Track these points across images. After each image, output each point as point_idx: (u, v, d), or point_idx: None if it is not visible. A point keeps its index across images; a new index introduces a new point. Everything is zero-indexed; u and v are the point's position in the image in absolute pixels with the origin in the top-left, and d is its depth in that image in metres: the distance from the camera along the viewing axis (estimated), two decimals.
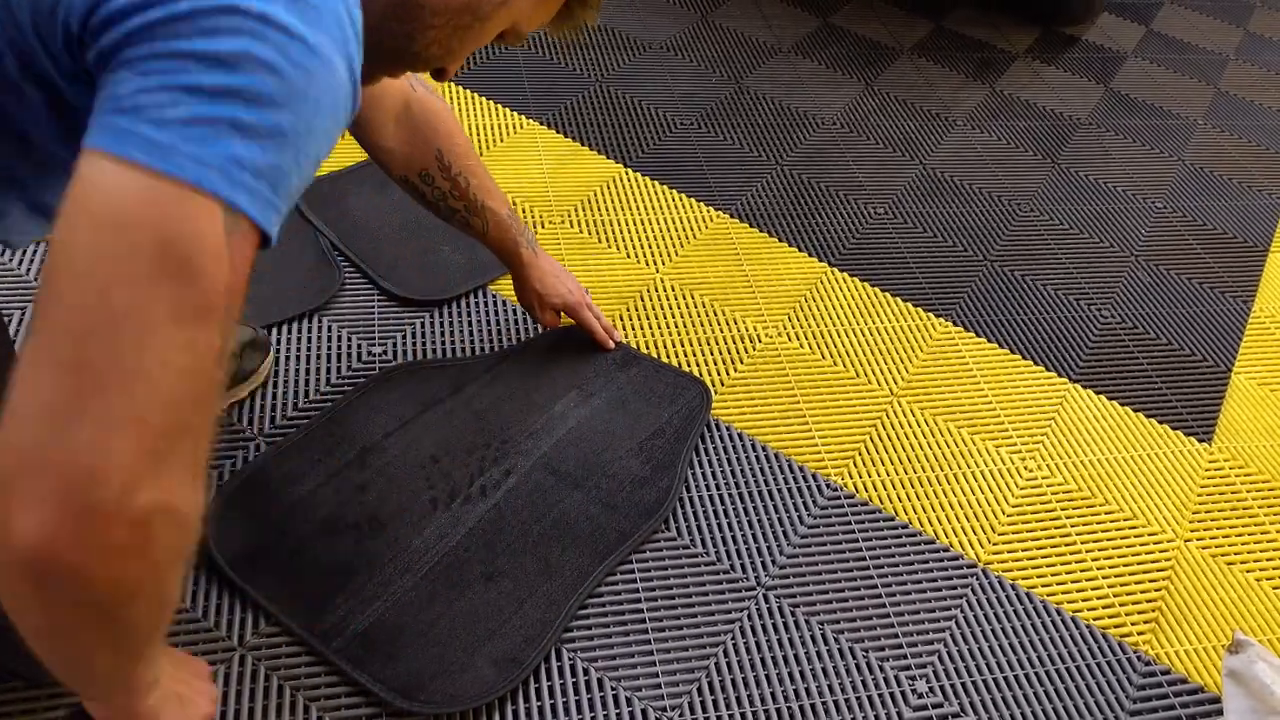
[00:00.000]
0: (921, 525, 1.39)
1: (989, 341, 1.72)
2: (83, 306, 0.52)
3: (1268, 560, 1.44)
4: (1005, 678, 1.23)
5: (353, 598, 1.15)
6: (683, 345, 1.59)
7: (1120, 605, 1.34)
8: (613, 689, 1.14)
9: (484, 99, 2.06)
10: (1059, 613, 1.31)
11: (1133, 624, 1.32)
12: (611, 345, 1.51)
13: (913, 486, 1.44)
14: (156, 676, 0.82)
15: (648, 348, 1.57)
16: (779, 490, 1.39)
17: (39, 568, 0.52)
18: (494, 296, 1.60)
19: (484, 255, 1.64)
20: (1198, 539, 1.45)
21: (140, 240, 0.53)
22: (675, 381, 1.49)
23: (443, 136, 1.24)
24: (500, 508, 1.27)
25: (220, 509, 1.20)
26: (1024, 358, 1.71)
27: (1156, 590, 1.37)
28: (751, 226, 1.87)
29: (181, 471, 0.56)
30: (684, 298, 1.67)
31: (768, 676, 1.18)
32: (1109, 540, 1.42)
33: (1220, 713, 1.23)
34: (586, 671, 1.15)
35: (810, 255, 1.83)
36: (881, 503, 1.41)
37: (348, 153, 1.84)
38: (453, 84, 2.08)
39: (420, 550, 1.21)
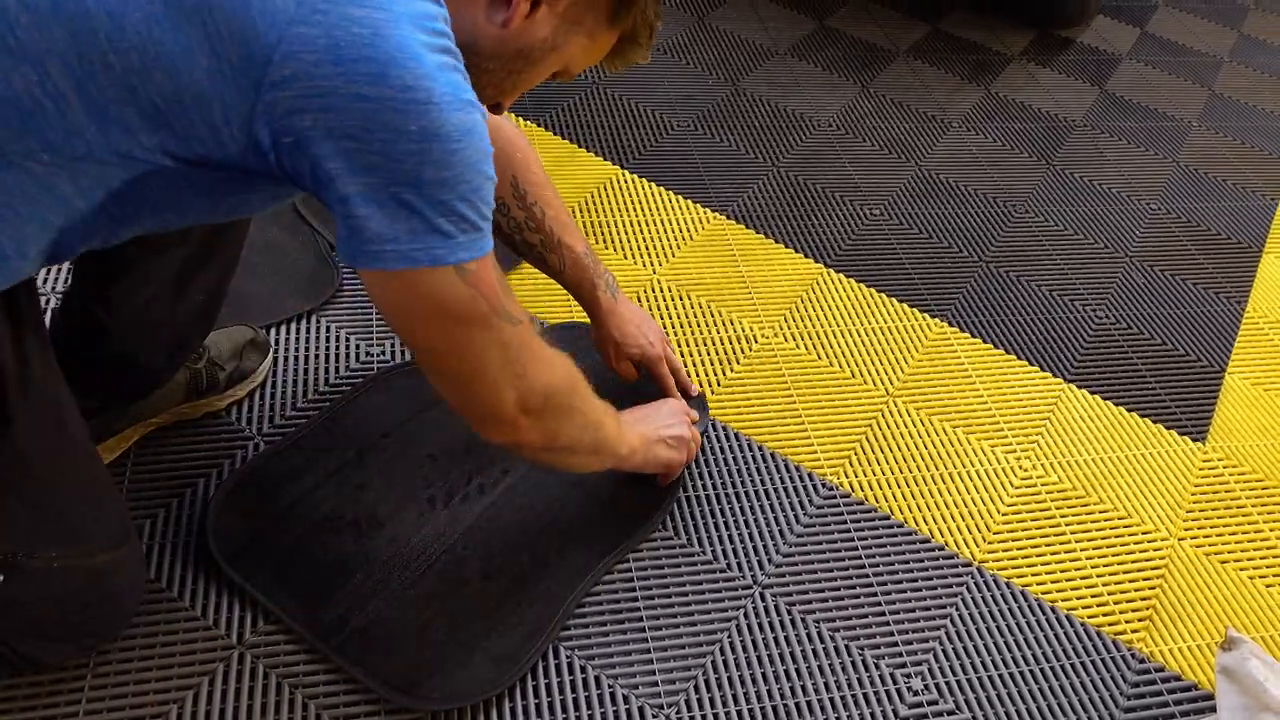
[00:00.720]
0: (917, 524, 1.40)
1: (984, 342, 1.73)
2: (437, 358, 0.88)
3: (1260, 558, 1.45)
4: (1000, 675, 1.24)
5: (351, 595, 1.16)
6: (680, 346, 1.59)
7: (1114, 603, 1.35)
8: (609, 686, 1.15)
9: None
10: (1053, 611, 1.32)
11: (1127, 622, 1.33)
12: (665, 375, 1.42)
13: (908, 486, 1.45)
14: (632, 446, 1.16)
15: None
16: (775, 490, 1.40)
17: (505, 446, 0.97)
18: None
19: None
20: (1191, 537, 1.46)
21: (429, 317, 0.82)
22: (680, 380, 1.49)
23: (518, 165, 1.23)
24: (498, 506, 1.28)
25: (219, 507, 1.21)
26: (1019, 358, 1.71)
27: (1150, 588, 1.38)
28: (748, 228, 1.88)
29: (538, 379, 0.92)
30: (681, 299, 1.68)
31: (764, 674, 1.19)
32: (1103, 539, 1.43)
33: (1213, 709, 1.24)
34: (584, 669, 1.16)
35: (806, 256, 1.84)
36: (877, 502, 1.42)
37: None
38: None
39: (419, 548, 1.22)
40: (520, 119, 2.03)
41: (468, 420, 0.94)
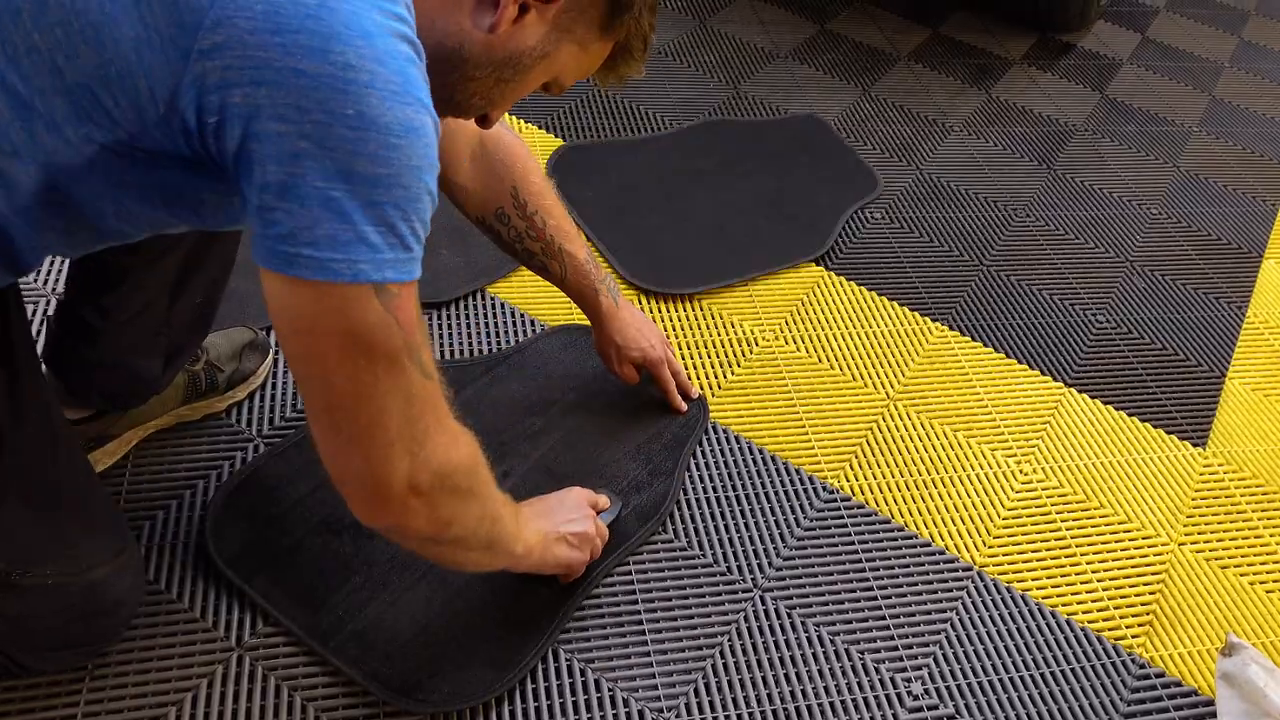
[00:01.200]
0: (917, 528, 1.39)
1: (985, 346, 1.73)
2: (322, 394, 0.75)
3: (1261, 564, 1.45)
4: (1000, 680, 1.24)
5: (350, 597, 1.15)
6: (680, 349, 1.59)
7: (1115, 608, 1.35)
8: (610, 689, 1.15)
9: None
10: (1054, 615, 1.32)
11: (1127, 627, 1.33)
12: (684, 408, 1.45)
13: (908, 490, 1.45)
14: (528, 544, 1.03)
15: None
16: (776, 493, 1.40)
17: (380, 530, 0.84)
18: (492, 298, 1.61)
19: (482, 257, 1.65)
20: (1192, 543, 1.46)
21: (330, 337, 0.71)
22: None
23: (518, 174, 1.21)
24: None
25: (219, 509, 1.21)
26: (1019, 362, 1.71)
27: (1151, 593, 1.38)
28: None
29: (438, 449, 0.80)
30: (681, 301, 1.68)
31: (764, 678, 1.19)
32: (1104, 544, 1.43)
33: (1214, 715, 1.24)
34: (584, 672, 1.16)
35: (807, 259, 1.83)
36: (877, 506, 1.41)
37: None
38: None
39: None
40: (521, 122, 2.03)
41: (344, 492, 0.80)
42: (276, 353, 1.43)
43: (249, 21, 0.62)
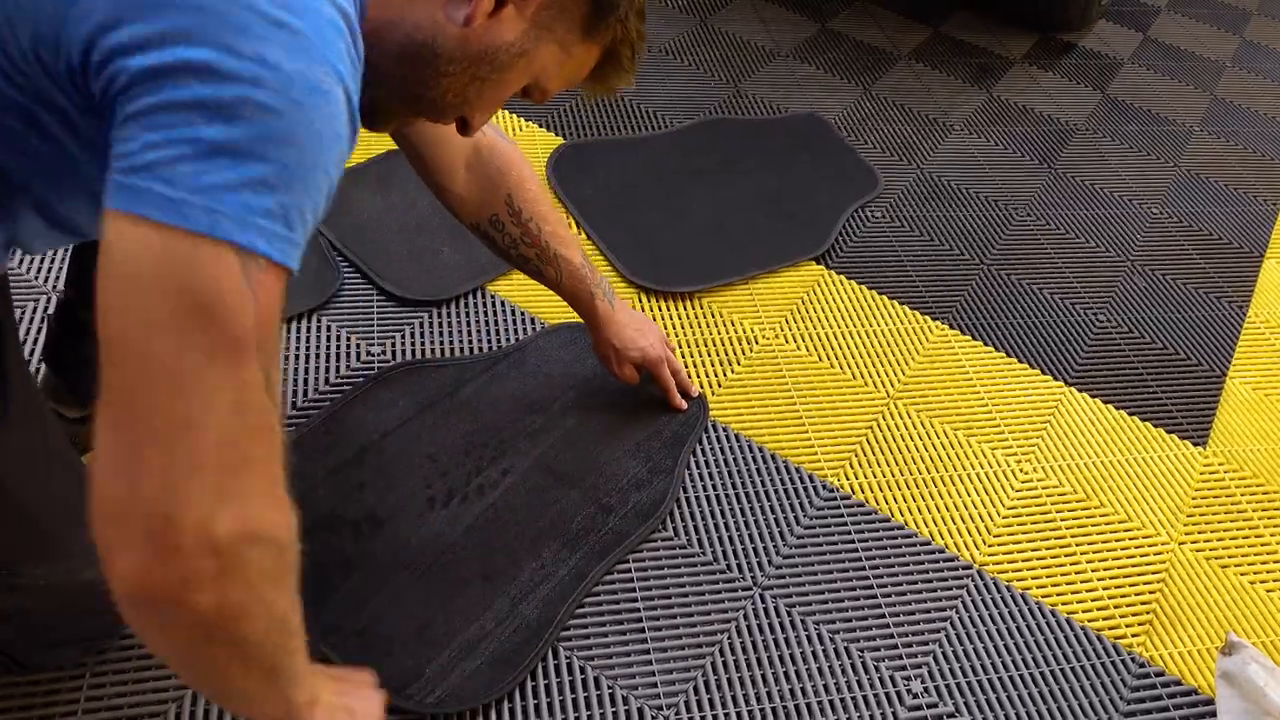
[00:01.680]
0: (917, 527, 1.39)
1: (985, 345, 1.73)
2: (127, 366, 0.58)
3: (1261, 563, 1.45)
4: (1000, 679, 1.24)
5: (350, 595, 1.16)
6: (680, 347, 1.59)
7: (1115, 607, 1.35)
8: (609, 687, 1.15)
9: None
10: (1054, 614, 1.32)
11: (1127, 626, 1.33)
12: (685, 407, 1.45)
13: (909, 488, 1.45)
14: (314, 695, 0.81)
15: None
16: (775, 491, 1.40)
17: (142, 601, 0.60)
18: (493, 297, 1.61)
19: (483, 255, 1.65)
20: (1192, 542, 1.46)
21: (165, 294, 0.57)
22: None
23: (513, 181, 1.20)
24: (497, 507, 1.28)
25: None
26: (1020, 361, 1.71)
27: (1151, 592, 1.38)
28: None
29: (256, 498, 0.61)
30: (681, 300, 1.68)
31: (763, 676, 1.19)
32: (1104, 543, 1.43)
33: (1214, 714, 1.24)
34: (583, 670, 1.16)
35: (807, 258, 1.83)
36: (877, 504, 1.41)
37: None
38: None
39: (418, 549, 1.22)
40: (521, 120, 2.03)
41: (107, 533, 0.59)
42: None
43: None
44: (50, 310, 1.11)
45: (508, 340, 1.54)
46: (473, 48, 0.77)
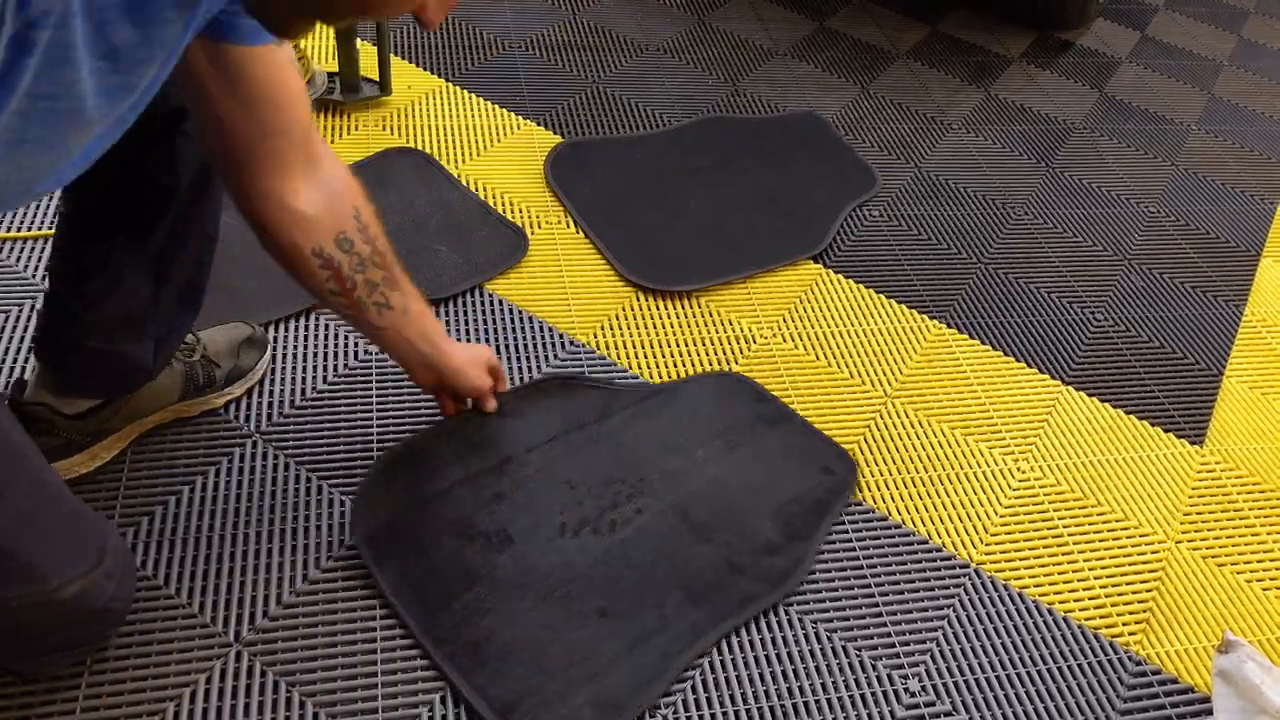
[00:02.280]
0: (914, 525, 1.40)
1: (982, 343, 1.73)
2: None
3: (1258, 562, 1.45)
4: (997, 677, 1.24)
5: (469, 606, 1.15)
6: (677, 346, 1.59)
7: (1111, 606, 1.35)
8: None
9: (481, 99, 2.06)
10: (1050, 613, 1.32)
11: (1124, 624, 1.33)
12: (492, 406, 1.34)
13: (906, 487, 1.45)
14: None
15: (641, 351, 1.57)
16: None
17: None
18: (490, 296, 1.61)
19: (480, 255, 1.66)
20: (1189, 540, 1.46)
21: None
22: (824, 449, 1.45)
23: (358, 197, 1.07)
24: (626, 545, 1.26)
25: (364, 488, 1.22)
26: (1017, 360, 1.72)
27: (1148, 591, 1.38)
28: None
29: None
30: (678, 298, 1.68)
31: (760, 675, 1.19)
32: (1100, 541, 1.43)
33: (1210, 713, 1.24)
34: None
35: (805, 257, 1.83)
36: (875, 503, 1.42)
37: (347, 154, 1.85)
38: (450, 84, 2.08)
39: (543, 573, 1.20)
40: (519, 118, 2.03)
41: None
42: (276, 348, 1.43)
43: None
44: (39, 305, 1.10)
45: (508, 339, 1.54)
46: None
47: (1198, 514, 1.51)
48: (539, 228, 1.77)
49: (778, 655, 1.21)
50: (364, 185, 1.09)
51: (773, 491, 1.37)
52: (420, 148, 1.89)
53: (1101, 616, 1.33)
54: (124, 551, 0.97)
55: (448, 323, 1.55)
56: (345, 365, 1.44)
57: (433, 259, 1.64)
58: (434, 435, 1.31)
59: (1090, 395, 1.67)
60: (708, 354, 1.59)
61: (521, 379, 1.48)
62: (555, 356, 1.53)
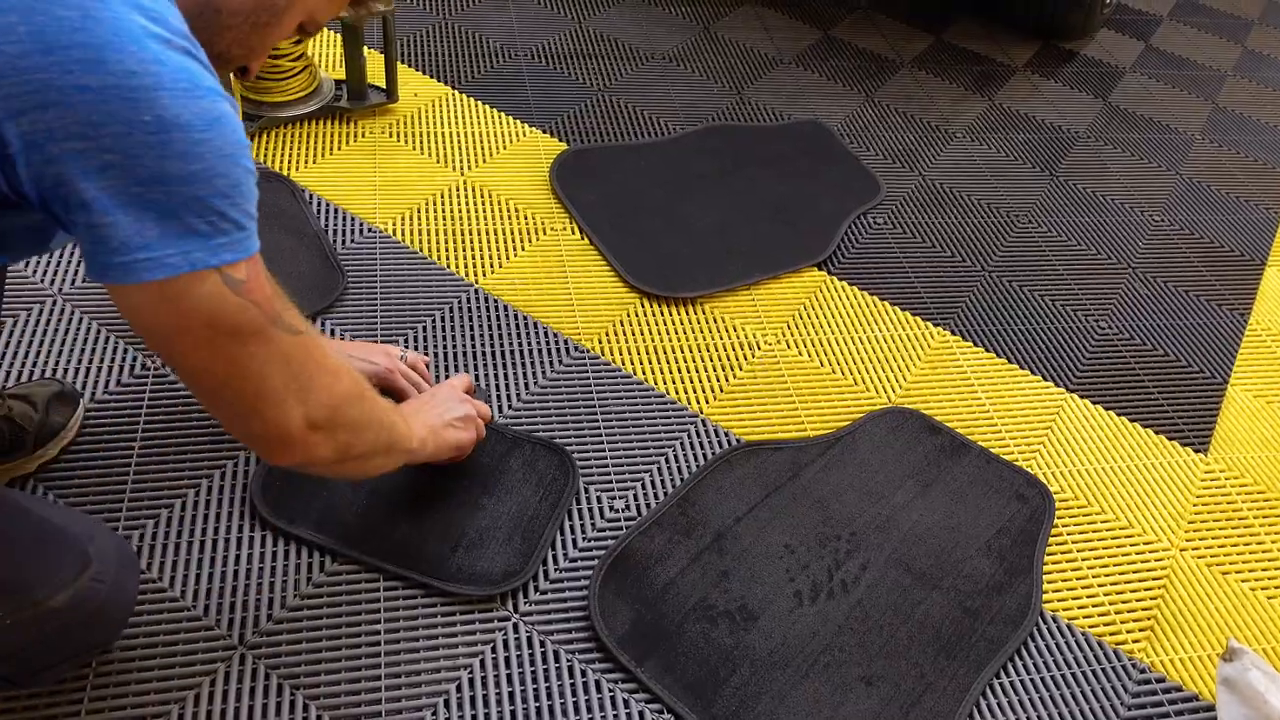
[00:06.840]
0: None
1: (986, 351, 1.74)
2: (207, 380, 0.78)
3: (1262, 569, 1.45)
4: (1001, 684, 1.24)
5: (739, 691, 1.15)
6: (682, 352, 1.60)
7: (1116, 613, 1.35)
8: (609, 689, 1.15)
9: (487, 107, 2.07)
10: (1055, 620, 1.32)
11: (1128, 632, 1.33)
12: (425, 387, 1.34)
13: None
14: (421, 436, 1.10)
15: (645, 357, 1.58)
16: None
17: (309, 466, 0.88)
18: (495, 301, 1.61)
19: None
20: (1193, 548, 1.46)
21: (194, 332, 0.73)
22: (1012, 476, 1.48)
23: None
24: (864, 606, 1.27)
25: (598, 589, 1.21)
26: (1021, 367, 1.72)
27: (1152, 599, 1.38)
28: None
29: (320, 390, 0.84)
30: (682, 305, 1.68)
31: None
32: (1105, 548, 1.43)
33: None
34: (585, 672, 1.16)
35: (809, 264, 1.84)
36: None
37: (354, 161, 1.85)
38: (457, 91, 2.09)
39: (796, 646, 1.21)
40: (525, 125, 2.04)
41: (251, 446, 0.87)
42: (82, 400, 1.32)
43: (16, 45, 0.61)
44: (55, 312, 1.09)
45: (507, 337, 1.54)
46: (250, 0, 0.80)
47: (1202, 522, 1.50)
48: (544, 234, 1.77)
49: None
50: None
51: (975, 526, 1.39)
52: (427, 155, 1.90)
53: (1106, 624, 1.33)
54: (116, 552, 0.96)
55: (449, 327, 1.55)
56: None
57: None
58: (643, 531, 1.29)
59: (1095, 403, 1.67)
60: (712, 360, 1.59)
61: (527, 385, 1.48)
62: (560, 362, 1.53)
